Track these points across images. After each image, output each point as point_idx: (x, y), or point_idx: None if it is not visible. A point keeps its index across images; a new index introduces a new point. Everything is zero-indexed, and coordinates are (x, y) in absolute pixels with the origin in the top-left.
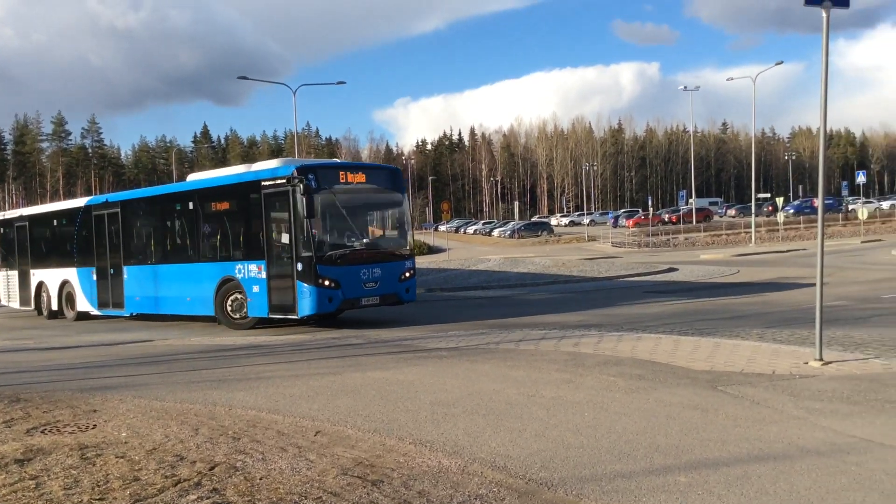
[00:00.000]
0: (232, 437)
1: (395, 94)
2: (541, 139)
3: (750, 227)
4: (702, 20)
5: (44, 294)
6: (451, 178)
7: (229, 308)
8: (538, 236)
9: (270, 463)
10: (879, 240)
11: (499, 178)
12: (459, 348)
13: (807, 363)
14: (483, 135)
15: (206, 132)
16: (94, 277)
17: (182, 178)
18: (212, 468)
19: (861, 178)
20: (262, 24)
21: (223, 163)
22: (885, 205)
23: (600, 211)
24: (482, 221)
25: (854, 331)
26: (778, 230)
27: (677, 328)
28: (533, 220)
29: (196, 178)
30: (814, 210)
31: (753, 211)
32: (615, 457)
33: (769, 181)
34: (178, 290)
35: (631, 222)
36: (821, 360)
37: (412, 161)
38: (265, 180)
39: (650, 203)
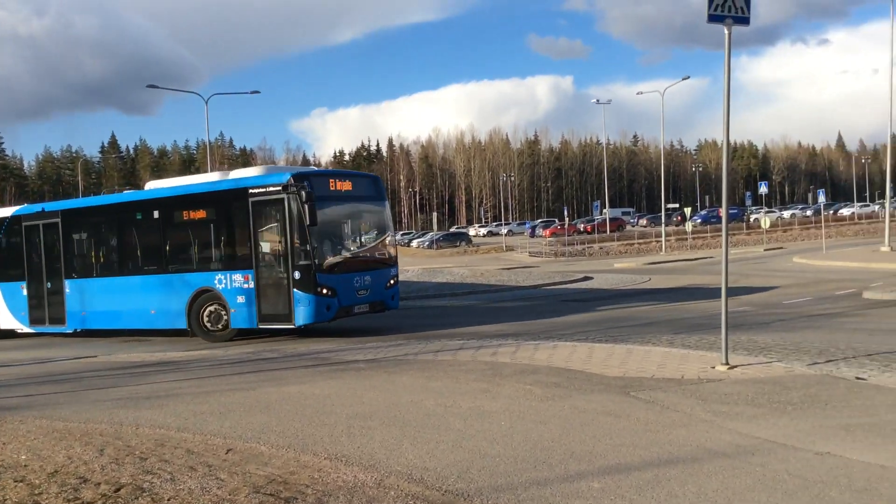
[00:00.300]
0: (139, 458)
1: (312, 103)
2: (459, 150)
3: (661, 237)
4: (612, 36)
5: None
6: None
7: (206, 320)
8: (457, 247)
9: (179, 483)
10: (781, 247)
11: (417, 188)
12: (378, 360)
13: (714, 367)
14: (401, 145)
15: (113, 142)
16: (25, 292)
17: (90, 190)
18: (117, 490)
19: (763, 189)
20: (174, 31)
21: (132, 174)
22: (786, 214)
23: (518, 221)
24: (401, 232)
25: (758, 335)
26: (687, 239)
27: (592, 336)
28: (451, 230)
29: (156, 186)
30: (720, 219)
31: (664, 220)
32: (531, 465)
33: (678, 191)
34: (140, 304)
35: (547, 232)
36: (727, 364)
37: None
38: (254, 188)
39: (566, 213)
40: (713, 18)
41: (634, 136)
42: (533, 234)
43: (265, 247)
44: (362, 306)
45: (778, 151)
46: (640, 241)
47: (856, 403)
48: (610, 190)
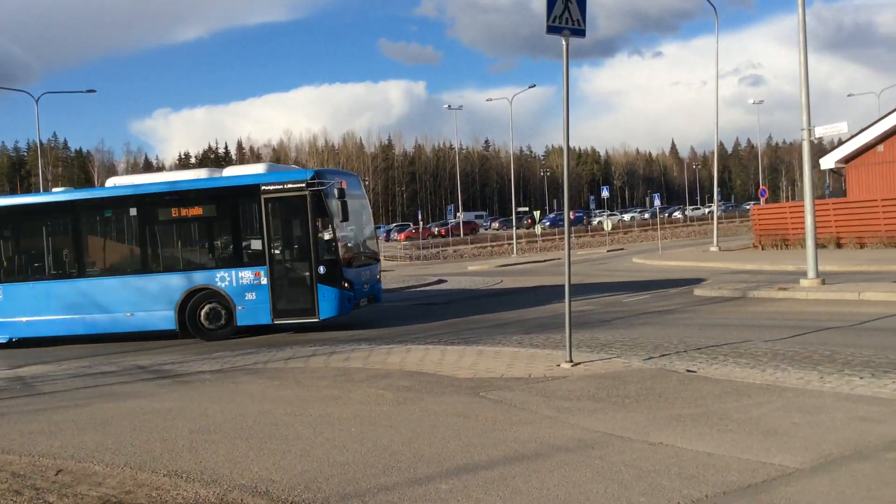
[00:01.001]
0: None
1: (155, 104)
2: (312, 154)
3: (512, 239)
4: (463, 43)
5: None
6: None
7: (203, 319)
8: None
9: None
10: (622, 248)
11: None
12: (224, 370)
13: (559, 365)
14: (251, 148)
15: None
16: None
17: None
18: None
19: (605, 193)
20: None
21: None
22: (627, 217)
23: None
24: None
25: (600, 333)
26: (537, 241)
27: (445, 338)
28: None
29: (121, 182)
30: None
31: (514, 224)
32: (380, 470)
33: (528, 195)
34: (112, 307)
35: (402, 236)
36: (571, 361)
37: None
38: (267, 185)
39: (420, 217)
40: (552, 30)
41: (486, 142)
42: (388, 238)
43: (280, 243)
44: (363, 299)
45: (618, 158)
46: (493, 243)
47: (686, 395)
48: (463, 194)
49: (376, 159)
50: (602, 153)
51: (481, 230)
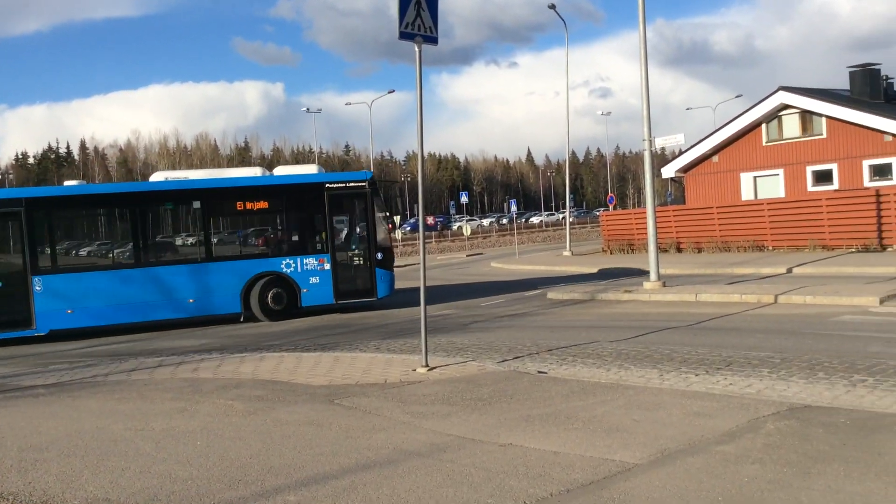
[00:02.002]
0: None
1: None
2: (162, 155)
3: None
4: (321, 45)
5: None
6: None
7: (271, 301)
8: None
9: None
10: (481, 253)
11: None
12: (61, 384)
13: (415, 370)
14: (96, 148)
15: None
16: None
17: None
18: None
19: (465, 199)
20: None
21: None
22: (486, 222)
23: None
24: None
25: (457, 337)
26: (397, 246)
27: (302, 345)
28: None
29: (178, 177)
30: (431, 227)
31: None
32: (226, 484)
33: (389, 200)
34: (173, 294)
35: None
36: (427, 366)
37: (10, 176)
38: (332, 183)
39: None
40: (404, 36)
41: (346, 146)
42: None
43: (341, 233)
44: None
45: (477, 164)
46: None
47: (536, 395)
48: None
49: (232, 162)
50: (462, 159)
51: None
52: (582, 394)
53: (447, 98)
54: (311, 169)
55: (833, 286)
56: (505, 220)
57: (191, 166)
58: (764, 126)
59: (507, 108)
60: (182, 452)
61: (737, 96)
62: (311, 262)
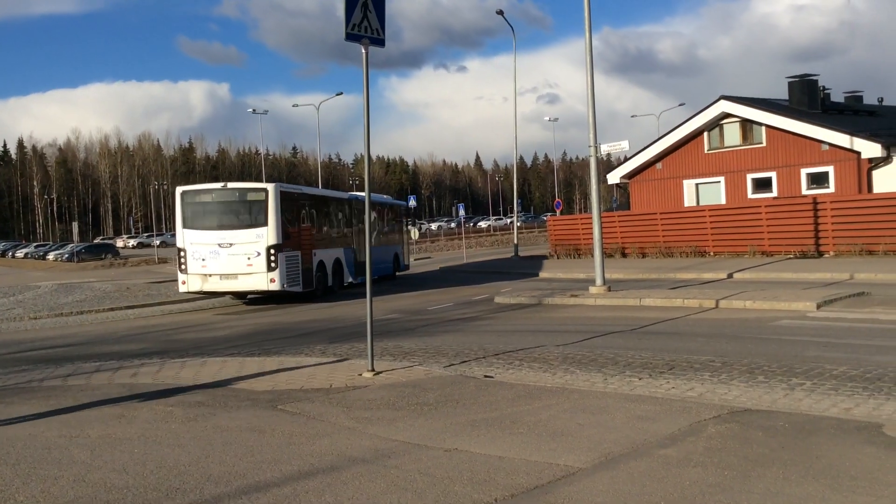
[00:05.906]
0: None
1: None
2: (103, 155)
3: None
4: (268, 46)
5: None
6: None
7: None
8: (102, 259)
9: None
10: (429, 257)
11: (55, 195)
12: None
13: (361, 375)
14: (34, 147)
15: None
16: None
17: None
18: None
19: (413, 203)
20: None
21: None
22: (434, 226)
23: (171, 233)
24: (35, 244)
25: (403, 341)
26: None
27: (246, 349)
28: (96, 241)
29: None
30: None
31: None
32: (163, 494)
33: None
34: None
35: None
36: (373, 370)
37: None
38: (395, 205)
39: None
40: (351, 37)
41: (294, 148)
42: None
43: (394, 235)
44: None
45: (426, 168)
46: None
47: (482, 400)
48: None
49: (176, 162)
50: (410, 163)
51: None
52: (528, 398)
53: (396, 101)
54: (385, 196)
55: (772, 291)
56: (453, 224)
57: (133, 167)
58: (706, 134)
59: (456, 112)
60: (119, 460)
61: (680, 104)
62: (403, 250)
